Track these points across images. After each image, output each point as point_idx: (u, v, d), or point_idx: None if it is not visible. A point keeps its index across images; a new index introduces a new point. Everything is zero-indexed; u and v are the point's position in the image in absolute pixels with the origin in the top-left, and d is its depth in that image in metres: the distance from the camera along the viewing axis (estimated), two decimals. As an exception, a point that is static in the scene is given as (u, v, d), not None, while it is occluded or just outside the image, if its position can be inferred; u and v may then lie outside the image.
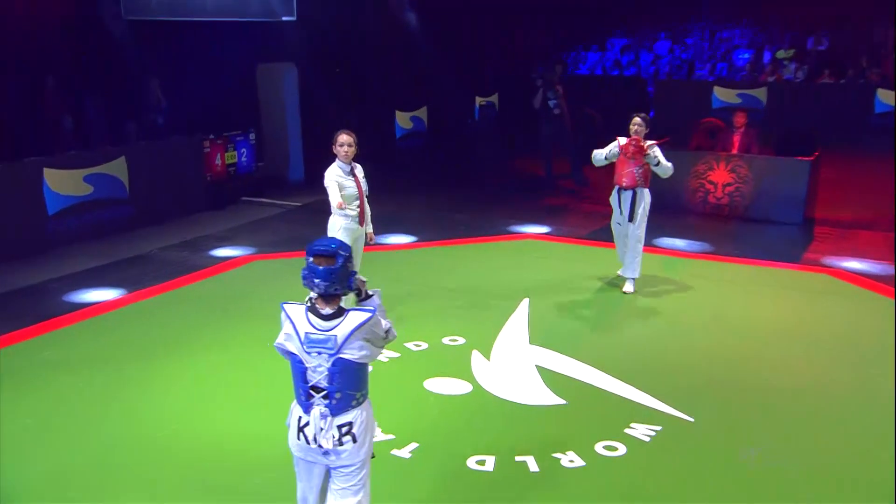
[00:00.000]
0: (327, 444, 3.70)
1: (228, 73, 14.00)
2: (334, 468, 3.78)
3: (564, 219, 11.52)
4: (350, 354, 3.64)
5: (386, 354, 6.91)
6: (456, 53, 18.76)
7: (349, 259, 3.68)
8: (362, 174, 7.30)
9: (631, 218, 8.14)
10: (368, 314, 3.68)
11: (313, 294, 3.71)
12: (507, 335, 7.38)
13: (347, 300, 3.91)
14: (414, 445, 5.48)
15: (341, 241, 3.74)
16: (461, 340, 7.27)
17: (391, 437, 5.53)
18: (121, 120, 12.85)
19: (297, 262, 8.48)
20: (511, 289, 8.61)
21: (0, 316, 7.83)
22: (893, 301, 8.17)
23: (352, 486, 3.78)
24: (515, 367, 6.72)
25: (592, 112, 14.58)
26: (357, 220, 7.18)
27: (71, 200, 10.52)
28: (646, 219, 8.22)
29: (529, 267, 9.48)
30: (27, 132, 11.50)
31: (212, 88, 13.67)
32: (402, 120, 17.03)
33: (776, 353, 7.04)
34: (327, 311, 3.66)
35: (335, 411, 3.68)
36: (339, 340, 3.62)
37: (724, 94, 19.84)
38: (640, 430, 5.71)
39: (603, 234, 9.97)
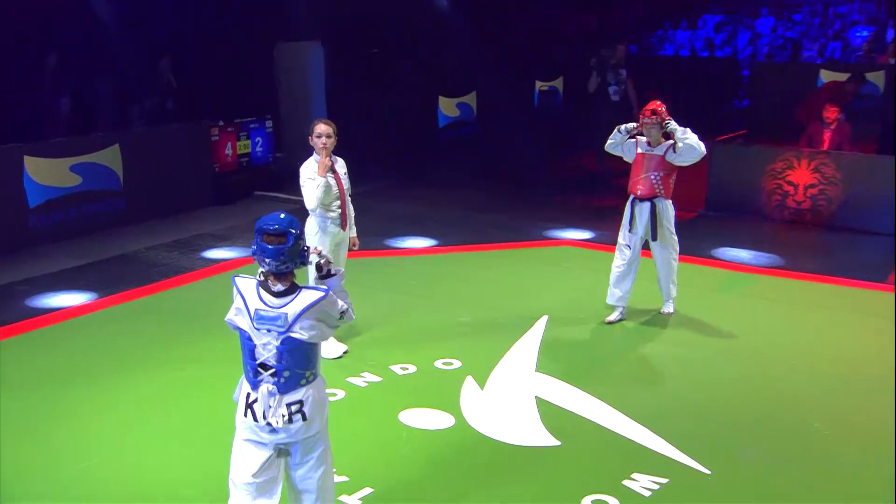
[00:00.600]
0: (276, 422, 3.93)
1: (244, 52, 13.95)
2: (287, 444, 4.03)
3: (612, 223, 11.03)
4: (300, 334, 3.88)
5: (365, 378, 6.65)
6: (513, 31, 18.37)
7: (300, 237, 3.93)
8: (344, 170, 7.08)
9: (654, 236, 7.58)
10: (321, 294, 3.91)
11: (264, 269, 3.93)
12: (511, 359, 7.04)
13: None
14: (367, 491, 5.17)
15: (292, 217, 3.96)
16: (456, 364, 6.97)
17: (344, 479, 5.24)
18: (127, 103, 12.95)
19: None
20: (529, 304, 8.25)
21: (-50, 321, 7.85)
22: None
23: (313, 457, 4.08)
24: (512, 397, 6.38)
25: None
26: (338, 222, 6.95)
27: (55, 192, 10.56)
28: (675, 237, 7.65)
29: (558, 279, 9.11)
30: (17, 114, 11.60)
31: (224, 70, 13.65)
32: (447, 107, 16.76)
33: (838, 398, 6.47)
34: (279, 287, 3.92)
35: (283, 389, 3.93)
36: (290, 319, 3.87)
37: (832, 79, 18.90)
38: (642, 483, 5.29)
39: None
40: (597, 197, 12.57)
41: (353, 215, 7.20)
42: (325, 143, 6.83)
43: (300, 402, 3.96)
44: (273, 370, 3.91)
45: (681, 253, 7.87)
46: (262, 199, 12.95)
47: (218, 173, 12.66)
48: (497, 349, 7.19)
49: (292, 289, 3.92)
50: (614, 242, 9.92)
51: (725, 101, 20.08)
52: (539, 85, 18.68)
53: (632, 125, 7.55)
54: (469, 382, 6.61)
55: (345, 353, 7.08)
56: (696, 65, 20.77)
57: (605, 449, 5.72)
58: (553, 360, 7.02)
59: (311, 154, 6.90)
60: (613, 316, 7.78)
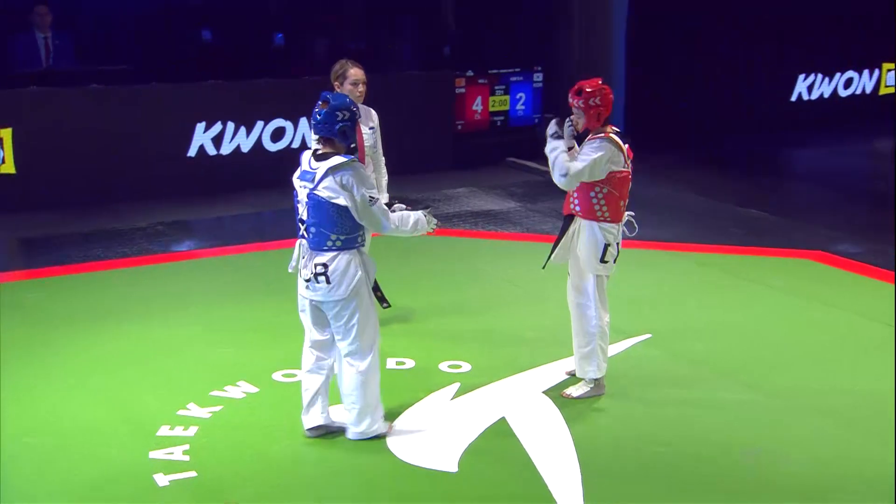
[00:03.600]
0: (305, 275, 5.38)
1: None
2: (318, 303, 5.41)
3: (887, 239, 9.60)
4: (323, 193, 5.24)
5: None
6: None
7: (339, 109, 5.31)
8: (373, 123, 7.04)
9: (545, 263, 6.31)
10: (344, 160, 5.25)
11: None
12: (530, 376, 6.61)
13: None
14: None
15: (342, 98, 5.44)
16: (465, 367, 6.74)
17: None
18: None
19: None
20: (638, 320, 7.56)
21: None
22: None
23: (343, 326, 5.40)
24: (473, 411, 6.10)
25: None
26: None
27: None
28: (592, 280, 6.16)
29: (743, 295, 8.31)
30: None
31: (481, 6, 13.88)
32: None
33: None
34: (318, 149, 5.39)
35: (312, 245, 5.37)
36: (318, 177, 5.26)
37: None
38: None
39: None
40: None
41: (386, 177, 7.16)
42: (361, 91, 6.84)
43: (324, 266, 5.30)
44: (306, 225, 5.35)
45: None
46: (515, 167, 13.08)
47: (460, 133, 12.99)
48: (534, 360, 6.80)
49: (330, 155, 5.29)
50: (881, 262, 8.69)
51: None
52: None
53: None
54: (452, 388, 6.41)
55: None
56: None
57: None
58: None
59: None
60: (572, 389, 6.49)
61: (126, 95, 11.06)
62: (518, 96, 13.42)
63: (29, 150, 10.35)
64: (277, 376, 6.50)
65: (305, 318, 5.58)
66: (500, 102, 13.29)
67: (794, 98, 16.13)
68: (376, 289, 5.84)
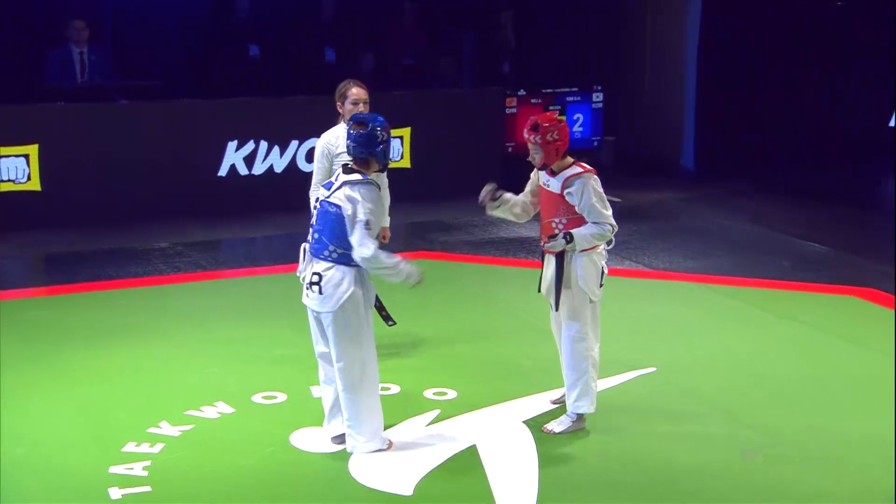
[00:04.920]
0: (303, 279, 5.94)
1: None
2: (316, 313, 5.95)
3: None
4: (333, 200, 5.79)
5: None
6: None
7: (378, 129, 5.86)
8: None
9: (556, 305, 6.50)
10: (361, 178, 5.83)
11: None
12: (514, 406, 6.98)
13: None
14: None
15: (379, 119, 5.93)
16: (451, 395, 7.13)
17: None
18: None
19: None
20: (645, 352, 7.87)
21: None
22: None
23: (334, 335, 5.89)
24: (445, 438, 6.51)
25: None
26: None
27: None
28: (588, 309, 6.48)
29: (765, 329, 8.54)
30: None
31: (539, 21, 14.28)
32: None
33: None
34: (349, 164, 5.94)
35: (313, 251, 5.90)
36: (335, 186, 5.86)
37: None
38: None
39: None
40: None
41: (387, 202, 7.42)
42: (362, 112, 7.06)
43: (320, 275, 5.81)
44: (313, 230, 5.92)
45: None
46: (567, 193, 13.37)
47: (510, 156, 13.35)
48: (523, 389, 7.18)
49: (358, 171, 5.86)
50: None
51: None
52: None
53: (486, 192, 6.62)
54: (426, 416, 6.79)
55: None
56: None
57: None
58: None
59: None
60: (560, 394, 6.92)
61: (156, 111, 11.75)
62: (575, 117, 13.74)
63: (55, 166, 11.09)
64: (258, 398, 6.95)
65: (311, 328, 6.11)
66: (554, 124, 13.62)
67: (893, 123, 16.00)
68: (380, 307, 6.27)
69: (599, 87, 13.90)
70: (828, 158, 14.79)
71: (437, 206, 12.17)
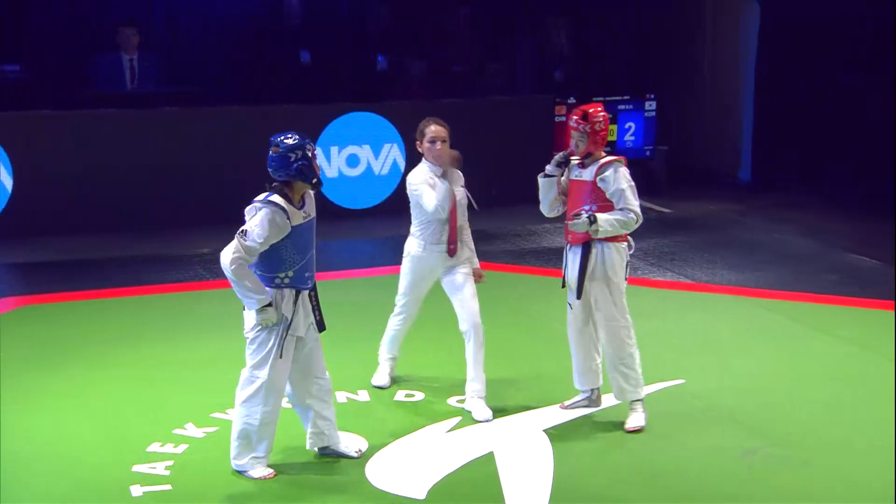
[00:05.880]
0: None
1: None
2: None
3: None
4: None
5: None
6: None
7: (292, 150, 5.96)
8: (462, 181, 7.48)
9: (579, 294, 6.82)
10: (260, 200, 6.01)
11: None
12: (537, 415, 7.25)
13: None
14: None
15: (294, 137, 6.02)
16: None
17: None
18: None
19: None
20: (673, 365, 8.07)
21: None
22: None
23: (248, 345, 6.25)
24: (463, 445, 6.79)
25: None
26: (445, 247, 7.40)
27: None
28: (622, 297, 6.91)
29: (801, 344, 8.71)
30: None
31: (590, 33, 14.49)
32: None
33: None
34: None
35: None
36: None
37: None
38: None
39: None
40: None
41: (470, 238, 7.63)
42: (440, 150, 7.29)
43: None
44: None
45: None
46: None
47: (560, 164, 13.58)
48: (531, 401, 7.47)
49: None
50: None
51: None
52: None
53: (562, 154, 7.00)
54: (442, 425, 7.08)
55: None
56: None
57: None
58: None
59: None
60: (572, 400, 7.24)
61: (203, 118, 12.17)
62: (627, 126, 13.88)
63: (97, 171, 11.59)
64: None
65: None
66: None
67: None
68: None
69: (652, 96, 13.99)
70: (888, 171, 14.73)
71: (480, 214, 12.32)
